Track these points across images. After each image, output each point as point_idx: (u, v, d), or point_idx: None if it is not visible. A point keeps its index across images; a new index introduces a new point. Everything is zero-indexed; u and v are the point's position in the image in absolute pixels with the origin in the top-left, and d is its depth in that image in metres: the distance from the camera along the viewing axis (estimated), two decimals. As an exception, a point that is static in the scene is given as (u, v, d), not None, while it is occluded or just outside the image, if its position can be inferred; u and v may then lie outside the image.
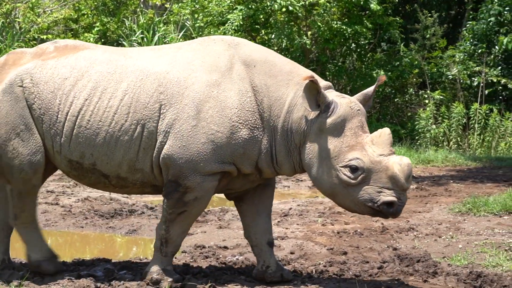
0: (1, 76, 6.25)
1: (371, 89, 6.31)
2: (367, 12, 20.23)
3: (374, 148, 6.02)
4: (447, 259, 7.53)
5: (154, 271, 6.22)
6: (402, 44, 20.85)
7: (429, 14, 20.72)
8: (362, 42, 20.99)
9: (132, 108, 6.09)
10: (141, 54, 6.41)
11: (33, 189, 6.31)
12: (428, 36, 20.54)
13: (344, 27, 19.26)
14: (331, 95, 6.15)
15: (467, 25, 20.91)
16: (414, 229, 8.95)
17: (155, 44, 21.85)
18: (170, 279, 6.16)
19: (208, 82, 6.12)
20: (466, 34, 20.66)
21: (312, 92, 6.01)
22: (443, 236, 8.59)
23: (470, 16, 21.68)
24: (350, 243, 8.26)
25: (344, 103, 6.08)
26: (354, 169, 5.98)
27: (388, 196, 5.97)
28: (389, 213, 6.02)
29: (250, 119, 6.11)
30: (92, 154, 6.12)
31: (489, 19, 19.81)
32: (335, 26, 19.18)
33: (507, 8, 19.61)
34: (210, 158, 6.03)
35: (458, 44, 20.97)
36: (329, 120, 6.04)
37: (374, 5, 19.15)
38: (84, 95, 6.13)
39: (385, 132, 6.10)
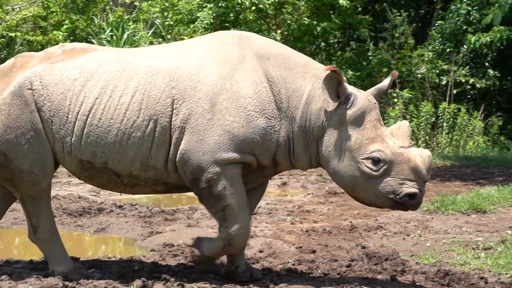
0: (10, 79, 6.18)
1: (385, 83, 6.35)
2: (336, 10, 20.29)
3: (395, 140, 6.06)
4: (415, 257, 7.57)
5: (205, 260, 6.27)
6: (371, 43, 20.95)
7: (398, 13, 20.85)
8: (331, 41, 21.05)
9: (143, 104, 6.04)
10: (150, 51, 6.39)
11: (44, 192, 6.23)
12: (397, 35, 20.66)
13: (314, 23, 19.31)
14: (350, 87, 6.17)
15: (436, 25, 21.07)
16: (382, 228, 8.98)
17: (124, 42, 21.74)
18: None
19: (220, 74, 6.08)
20: (435, 33, 20.82)
21: (333, 83, 6.01)
22: (411, 234, 8.64)
23: (439, 16, 21.86)
24: (319, 241, 8.28)
25: (362, 96, 6.13)
26: (376, 161, 5.99)
27: (410, 188, 6.00)
28: (410, 204, 6.04)
29: (267, 108, 6.07)
30: (104, 152, 6.06)
31: (457, 19, 19.98)
32: (305, 22, 19.22)
33: (475, 8, 19.78)
34: (228, 148, 5.96)
35: (427, 43, 21.14)
36: (349, 112, 6.05)
37: (342, 0, 19.22)
38: (95, 94, 6.09)
39: (404, 125, 6.17)
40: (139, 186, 6.23)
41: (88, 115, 6.04)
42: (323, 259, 7.31)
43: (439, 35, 20.58)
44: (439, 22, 20.78)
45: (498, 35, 18.18)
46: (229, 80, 6.05)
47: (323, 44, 21.14)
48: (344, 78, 6.24)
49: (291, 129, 6.12)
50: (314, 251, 7.74)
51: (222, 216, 6.08)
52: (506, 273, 6.78)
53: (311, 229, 8.86)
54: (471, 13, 19.94)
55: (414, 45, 21.22)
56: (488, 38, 18.49)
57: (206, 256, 6.22)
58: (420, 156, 5.99)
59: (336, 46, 21.31)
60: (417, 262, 7.27)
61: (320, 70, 6.21)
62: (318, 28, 19.39)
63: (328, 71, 5.94)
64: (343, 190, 6.68)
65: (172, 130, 6.00)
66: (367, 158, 5.99)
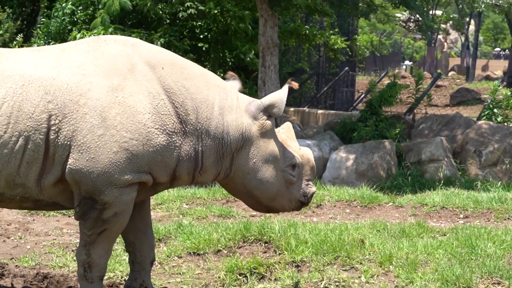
0: None
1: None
2: None
3: (293, 143, 6.01)
4: (15, 260, 7.51)
5: None
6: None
7: (2, 10, 20.35)
8: None
9: (12, 118, 5.13)
10: (19, 56, 5.41)
11: None
12: (1, 32, 20.14)
13: None
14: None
15: (41, 23, 20.98)
16: (-19, 230, 8.73)
17: None
18: None
19: (108, 87, 5.31)
20: (40, 31, 20.73)
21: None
22: (12, 237, 8.53)
23: (45, 14, 21.79)
24: None
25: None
26: (294, 166, 5.95)
27: (312, 187, 6.12)
28: (308, 203, 6.19)
29: (167, 123, 5.42)
30: None
31: (62, 18, 20.12)
32: None
33: (80, 7, 20.12)
34: (125, 168, 5.27)
35: (32, 41, 20.93)
36: (269, 123, 5.82)
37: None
38: None
39: (290, 126, 6.17)
40: (4, 202, 5.40)
41: None
42: None
43: (44, 33, 20.53)
44: (44, 20, 20.74)
45: (102, 33, 18.77)
46: (120, 92, 5.34)
47: None
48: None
49: (200, 142, 5.60)
50: None
51: (95, 239, 5.45)
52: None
53: None
54: (76, 12, 20.25)
55: (22, 43, 20.90)
56: (92, 35, 18.98)
57: None
58: (311, 154, 6.17)
59: None
60: (16, 265, 7.23)
61: (218, 79, 5.89)
62: None
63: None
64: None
65: (50, 147, 5.20)
66: (288, 165, 5.93)
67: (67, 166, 5.25)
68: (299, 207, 6.18)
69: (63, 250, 7.94)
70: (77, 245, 8.08)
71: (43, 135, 5.20)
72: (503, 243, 7.86)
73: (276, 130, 6.03)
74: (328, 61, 25.65)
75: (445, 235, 8.53)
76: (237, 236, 7.82)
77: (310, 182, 6.11)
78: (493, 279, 6.92)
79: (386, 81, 18.24)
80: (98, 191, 5.31)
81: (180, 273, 7.18)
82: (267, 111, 5.84)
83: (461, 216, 10.25)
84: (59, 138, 5.22)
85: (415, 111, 16.69)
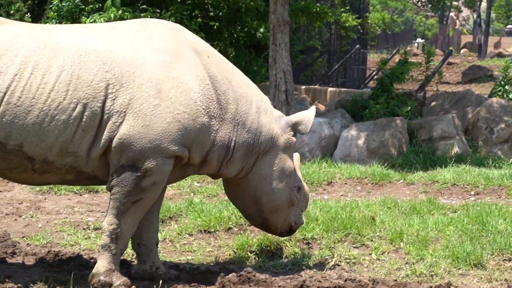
0: None
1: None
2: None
3: (299, 172, 6.41)
4: (27, 238, 7.56)
5: (102, 272, 5.61)
6: None
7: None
8: None
9: (72, 85, 5.42)
10: (69, 31, 5.71)
11: None
12: (12, 12, 20.14)
13: None
14: None
15: (53, 3, 20.94)
16: (-7, 209, 8.79)
17: None
18: (118, 282, 5.61)
19: (161, 62, 5.67)
20: (51, 12, 20.69)
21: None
22: (24, 215, 8.58)
23: (55, -6, 21.74)
24: None
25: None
26: (299, 190, 6.36)
27: (302, 218, 6.56)
28: (293, 233, 6.64)
29: (211, 106, 5.78)
30: (20, 134, 5.35)
31: (75, -2, 20.06)
32: None
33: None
34: (175, 139, 5.57)
35: (43, 21, 20.92)
36: (294, 139, 6.23)
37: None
38: (13, 70, 5.34)
39: (298, 156, 6.51)
40: (49, 173, 5.59)
41: (6, 93, 5.32)
42: None
43: (55, 13, 20.50)
44: (55, 0, 20.69)
45: (112, 15, 18.70)
46: (173, 69, 5.68)
47: None
48: None
49: (235, 133, 5.94)
50: None
51: (128, 208, 5.63)
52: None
53: None
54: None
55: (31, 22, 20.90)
56: (102, 19, 18.91)
57: (107, 269, 5.67)
58: (308, 190, 6.62)
59: None
60: (28, 244, 7.27)
61: (253, 83, 6.27)
62: None
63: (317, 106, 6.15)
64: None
65: (105, 115, 5.47)
66: (295, 186, 6.30)
67: (120, 132, 5.53)
68: (286, 233, 6.55)
69: (74, 228, 7.98)
70: (88, 223, 8.14)
71: (101, 103, 5.52)
72: (514, 220, 7.84)
73: None
74: (339, 39, 25.52)
75: (456, 212, 8.51)
76: (248, 214, 7.81)
77: (301, 213, 6.53)
78: (504, 255, 6.91)
79: (397, 58, 18.13)
80: (144, 157, 5.55)
81: (191, 251, 7.20)
82: (294, 127, 6.23)
83: (472, 193, 10.23)
84: (115, 105, 5.53)
85: (427, 88, 16.60)
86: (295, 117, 6.29)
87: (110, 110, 5.51)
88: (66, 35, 5.70)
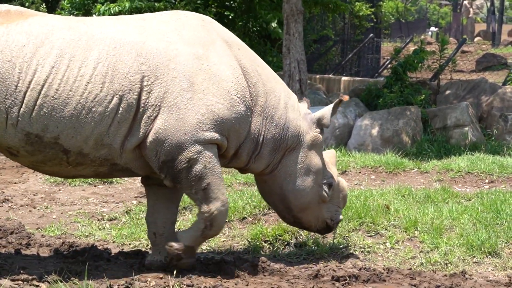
0: None
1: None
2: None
3: (333, 168, 6.37)
4: (41, 230, 7.59)
5: (188, 258, 5.86)
6: None
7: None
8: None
9: (108, 77, 5.49)
10: (102, 22, 5.75)
11: None
12: (27, 4, 20.19)
13: None
14: None
15: (65, -6, 20.99)
16: (9, 201, 8.82)
17: None
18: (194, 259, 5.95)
19: (194, 54, 5.72)
20: (65, 2, 20.73)
21: (334, 111, 6.23)
22: (38, 207, 8.61)
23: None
24: None
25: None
26: (330, 187, 6.29)
27: (340, 215, 6.48)
28: (332, 230, 6.55)
29: (246, 96, 5.86)
30: (57, 126, 5.42)
31: (87, -12, 20.08)
32: None
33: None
34: (211, 128, 5.66)
35: (57, 12, 20.96)
36: (320, 137, 6.22)
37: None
38: (50, 63, 5.40)
39: (334, 153, 6.54)
40: (83, 166, 5.67)
41: (43, 85, 5.37)
42: None
43: (68, 4, 20.54)
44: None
45: (127, 5, 18.71)
46: (205, 61, 5.74)
47: None
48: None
49: (264, 127, 5.99)
50: None
51: (203, 195, 5.73)
52: (130, 243, 7.11)
53: None
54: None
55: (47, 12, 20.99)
56: (116, 8, 18.93)
57: (187, 247, 5.80)
58: (346, 186, 6.56)
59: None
60: (42, 235, 7.31)
61: (279, 78, 6.27)
62: None
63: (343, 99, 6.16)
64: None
65: (140, 107, 5.54)
66: (325, 183, 6.26)
67: (155, 126, 5.59)
68: (323, 230, 6.50)
69: (88, 219, 8.00)
70: (102, 214, 8.17)
71: (136, 95, 5.56)
72: (529, 208, 7.79)
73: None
74: (353, 28, 25.44)
75: (470, 200, 8.47)
76: (262, 203, 7.82)
77: (340, 210, 6.47)
78: (519, 243, 6.88)
79: (411, 47, 18.07)
80: (181, 149, 5.61)
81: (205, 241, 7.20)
82: (318, 123, 6.24)
83: (487, 181, 10.17)
84: (150, 98, 5.57)
85: (440, 77, 16.51)
86: (318, 113, 6.32)
87: (146, 103, 5.57)
88: (100, 27, 5.73)
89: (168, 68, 5.64)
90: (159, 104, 5.58)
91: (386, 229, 7.24)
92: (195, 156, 5.65)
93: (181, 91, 5.62)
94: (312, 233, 7.08)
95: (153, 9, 16.05)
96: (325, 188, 6.27)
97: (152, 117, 5.59)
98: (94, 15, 16.92)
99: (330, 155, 6.50)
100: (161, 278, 5.72)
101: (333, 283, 5.80)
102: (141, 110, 5.57)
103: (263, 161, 6.07)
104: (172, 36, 5.80)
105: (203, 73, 5.71)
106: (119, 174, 5.93)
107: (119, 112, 5.53)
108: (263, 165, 6.10)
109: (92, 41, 5.60)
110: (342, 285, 5.78)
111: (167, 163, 5.66)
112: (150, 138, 5.60)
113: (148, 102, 5.57)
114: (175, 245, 5.79)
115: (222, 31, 6.08)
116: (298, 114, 6.20)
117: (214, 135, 5.68)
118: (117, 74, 5.54)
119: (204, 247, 7.03)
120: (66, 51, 5.52)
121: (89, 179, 9.84)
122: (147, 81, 5.59)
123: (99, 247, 6.78)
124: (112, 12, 16.53)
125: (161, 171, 5.71)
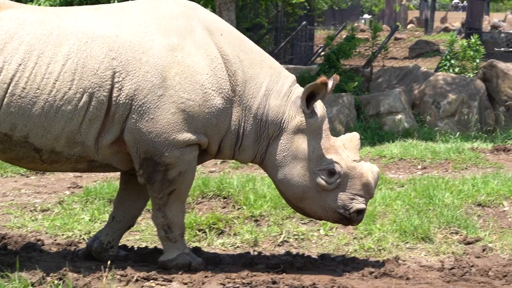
0: None
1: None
2: None
3: (348, 153, 5.79)
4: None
5: (174, 257, 5.71)
6: None
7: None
8: None
9: (77, 74, 5.28)
10: (79, 14, 5.47)
11: None
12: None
13: None
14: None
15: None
16: None
17: None
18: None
19: (168, 46, 5.44)
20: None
21: (318, 95, 5.69)
22: (-33, 199, 8.43)
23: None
24: None
25: (319, 104, 5.77)
26: (332, 173, 5.70)
27: (360, 203, 5.76)
28: (356, 220, 5.82)
29: (224, 87, 5.54)
30: (25, 125, 5.26)
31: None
32: None
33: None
34: (183, 129, 5.39)
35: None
36: (311, 121, 5.69)
37: None
38: (17, 60, 5.21)
39: (356, 137, 5.93)
40: (59, 163, 5.48)
41: (10, 84, 5.19)
42: None
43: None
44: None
45: None
46: (180, 52, 5.46)
47: None
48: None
49: (243, 118, 5.66)
50: None
51: (166, 200, 5.57)
52: (63, 234, 7.02)
53: None
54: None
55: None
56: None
57: (177, 256, 5.76)
58: (371, 172, 5.83)
59: None
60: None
61: (275, 62, 5.88)
62: None
63: (323, 82, 5.61)
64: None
65: (112, 105, 5.32)
66: (323, 170, 5.70)
67: (127, 126, 5.43)
68: (340, 220, 5.85)
69: (21, 210, 7.86)
70: (35, 205, 8.04)
71: (107, 92, 5.38)
72: (460, 193, 7.97)
73: (336, 138, 5.90)
74: (286, 15, 25.50)
75: (403, 186, 8.62)
76: (196, 192, 7.81)
77: (359, 199, 5.78)
78: (451, 228, 7.03)
79: (344, 35, 18.23)
80: (159, 152, 5.46)
81: (139, 230, 7.16)
82: (302, 106, 5.73)
83: (419, 167, 10.36)
84: (121, 96, 5.40)
85: (374, 64, 16.73)
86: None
87: (117, 100, 5.40)
88: (74, 19, 5.53)
89: (140, 62, 5.42)
90: (129, 102, 5.40)
91: (320, 216, 7.29)
92: (173, 161, 5.50)
93: (152, 88, 5.41)
94: (247, 220, 7.11)
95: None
96: (323, 175, 5.71)
97: (124, 116, 5.42)
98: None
99: (346, 138, 5.94)
100: (94, 268, 5.66)
101: (268, 271, 5.82)
102: (113, 108, 5.41)
103: (248, 153, 5.77)
104: (149, 25, 5.57)
105: (177, 66, 5.46)
106: (100, 170, 5.80)
107: (90, 110, 5.36)
108: (249, 157, 5.80)
109: (63, 36, 5.41)
110: (277, 272, 5.80)
111: (146, 161, 5.53)
112: (125, 136, 5.48)
113: (119, 100, 5.39)
114: (168, 263, 5.75)
115: (204, 17, 5.78)
116: (286, 100, 5.75)
117: (187, 136, 5.47)
118: (86, 71, 5.36)
119: (138, 236, 6.98)
120: (35, 47, 5.34)
121: (21, 170, 9.66)
122: (118, 77, 5.40)
123: (32, 239, 6.67)
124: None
125: (140, 167, 5.57)
